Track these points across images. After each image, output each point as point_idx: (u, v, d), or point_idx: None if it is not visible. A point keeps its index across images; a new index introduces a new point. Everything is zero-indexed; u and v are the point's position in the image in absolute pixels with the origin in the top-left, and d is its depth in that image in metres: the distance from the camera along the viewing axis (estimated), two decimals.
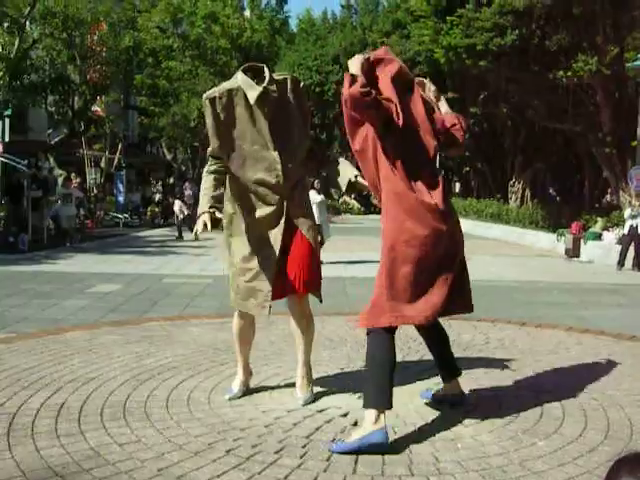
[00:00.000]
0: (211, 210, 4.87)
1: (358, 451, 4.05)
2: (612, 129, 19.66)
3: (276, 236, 4.93)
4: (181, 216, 24.36)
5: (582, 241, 19.59)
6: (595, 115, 20.23)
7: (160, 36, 34.41)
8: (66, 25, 27.17)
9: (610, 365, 6.34)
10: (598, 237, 19.45)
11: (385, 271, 4.41)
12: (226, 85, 4.99)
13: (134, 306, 10.14)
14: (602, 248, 18.83)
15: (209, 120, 4.93)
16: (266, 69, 4.99)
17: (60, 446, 4.08)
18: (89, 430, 4.34)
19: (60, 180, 26.86)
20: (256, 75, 4.95)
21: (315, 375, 5.38)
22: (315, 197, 15.40)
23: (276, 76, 5.03)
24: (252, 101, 4.82)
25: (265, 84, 4.84)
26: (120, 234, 24.96)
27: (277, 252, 4.90)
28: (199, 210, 4.94)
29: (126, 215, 29.82)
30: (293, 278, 4.96)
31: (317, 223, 15.58)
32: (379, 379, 4.29)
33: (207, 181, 5.04)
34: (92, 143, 37.11)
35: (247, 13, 45.76)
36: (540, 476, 3.84)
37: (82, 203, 24.35)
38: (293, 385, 5.30)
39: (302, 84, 5.11)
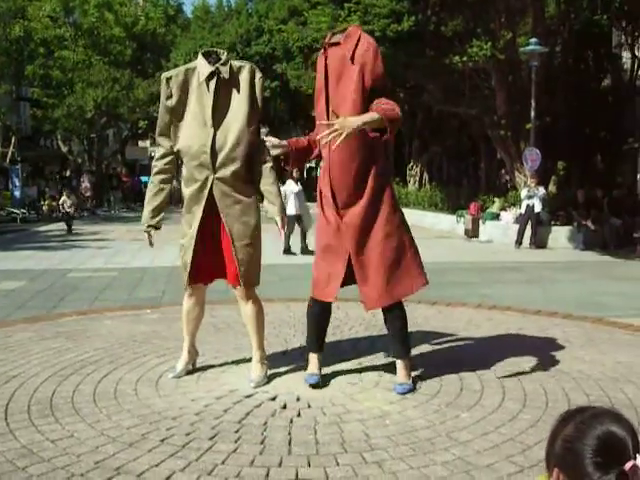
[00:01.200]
0: (149, 230, 5.25)
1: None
2: (506, 112, 20.23)
3: (195, 213, 5.09)
4: (70, 210, 23.87)
5: (481, 221, 20.13)
6: (490, 99, 20.77)
7: (51, 25, 33.48)
8: None
9: (520, 339, 6.63)
10: (496, 217, 20.01)
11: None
12: (186, 65, 5.26)
13: (41, 302, 9.94)
14: (500, 228, 19.40)
15: (162, 98, 5.15)
16: (224, 53, 5.14)
17: None
18: (18, 428, 4.29)
19: None
20: (217, 60, 5.07)
21: (237, 360, 5.48)
22: (292, 187, 15.59)
23: (236, 62, 5.14)
24: (202, 78, 4.99)
25: (218, 65, 4.99)
26: (18, 229, 24.28)
27: (195, 229, 5.07)
28: (142, 221, 5.28)
29: (23, 210, 29.01)
30: (222, 267, 5.09)
31: (297, 213, 15.16)
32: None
33: (150, 188, 5.30)
34: None
35: (140, 1, 44.98)
36: (466, 445, 4.02)
37: None
38: (217, 372, 5.40)
39: (260, 76, 5.15)
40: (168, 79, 5.10)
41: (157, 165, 5.27)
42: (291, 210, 14.92)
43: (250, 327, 5.28)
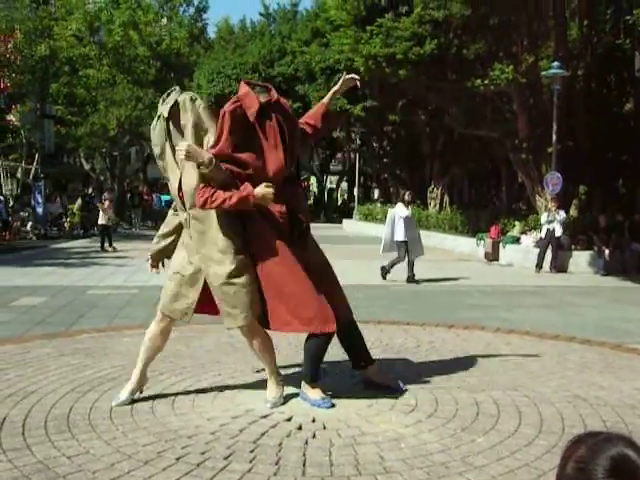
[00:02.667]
0: (150, 262, 5.68)
1: None
2: (528, 135, 20.21)
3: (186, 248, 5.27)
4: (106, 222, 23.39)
5: (501, 245, 20.07)
6: (512, 122, 20.77)
7: (77, 44, 33.89)
8: None
9: (538, 363, 6.60)
10: (516, 241, 19.95)
11: None
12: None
13: (61, 318, 10.00)
14: (520, 251, 19.33)
15: None
16: (174, 90, 5.26)
17: (7, 461, 4.06)
18: (35, 444, 4.32)
19: None
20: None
21: (254, 380, 5.49)
22: (402, 211, 14.29)
23: (182, 96, 5.20)
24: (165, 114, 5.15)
25: (171, 105, 5.13)
26: (40, 246, 24.46)
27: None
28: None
29: (46, 227, 29.22)
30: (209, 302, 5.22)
31: (403, 239, 13.97)
32: None
33: (166, 223, 5.63)
34: (7, 153, 36.29)
35: (164, 21, 45.41)
36: (482, 470, 4.01)
37: (0, 214, 23.79)
38: (233, 392, 5.42)
39: (200, 103, 5.21)
40: (152, 130, 5.28)
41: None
42: (399, 236, 14.07)
43: (257, 357, 5.36)
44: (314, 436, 4.51)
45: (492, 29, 19.61)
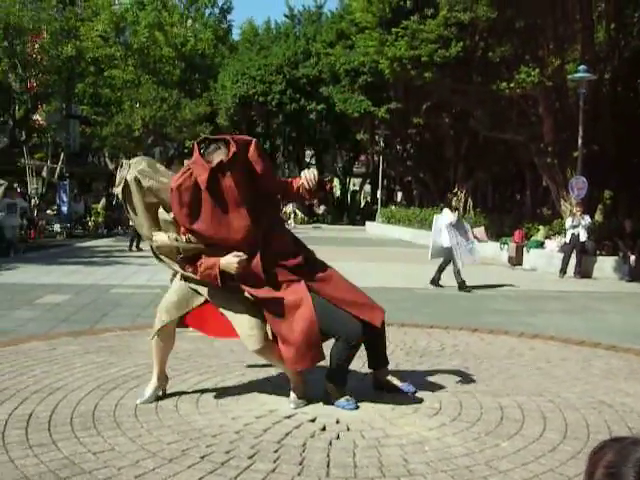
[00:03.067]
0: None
1: None
2: (553, 139, 20.12)
3: None
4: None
5: (525, 249, 19.97)
6: (537, 126, 20.68)
7: (102, 45, 34.08)
8: (7, 33, 26.76)
9: (562, 369, 6.56)
10: (540, 245, 19.84)
11: None
12: None
13: (85, 316, 10.05)
14: (544, 256, 19.22)
15: None
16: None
17: (34, 456, 4.09)
18: (61, 440, 4.36)
19: (1, 190, 26.41)
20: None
21: (278, 381, 5.49)
22: (448, 217, 13.78)
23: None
24: None
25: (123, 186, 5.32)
26: (64, 244, 24.63)
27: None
28: None
29: (69, 225, 29.43)
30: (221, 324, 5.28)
31: (447, 245, 13.62)
32: None
33: None
34: (33, 152, 36.55)
35: (189, 22, 45.62)
36: (506, 475, 3.99)
37: (26, 213, 23.99)
38: (258, 392, 5.42)
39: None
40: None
41: None
42: (445, 242, 13.72)
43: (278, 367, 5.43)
44: (338, 437, 4.52)
45: (518, 32, 19.55)
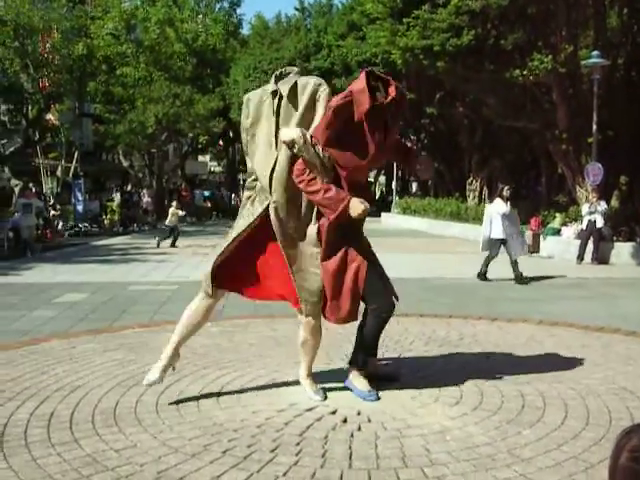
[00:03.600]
0: None
1: None
2: (568, 126, 20.00)
3: (247, 219, 5.17)
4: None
5: (541, 237, 19.89)
6: (551, 112, 20.56)
7: (113, 43, 34.15)
8: (18, 33, 26.85)
9: (583, 356, 6.52)
10: (557, 232, 19.76)
11: None
12: (264, 87, 5.34)
13: (103, 314, 10.09)
14: (561, 243, 19.14)
15: (242, 118, 5.36)
16: (296, 71, 5.21)
17: (56, 454, 4.11)
18: (83, 437, 4.37)
19: (17, 190, 26.58)
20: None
21: (297, 373, 5.51)
22: (500, 207, 13.47)
23: (303, 79, 5.15)
24: (266, 98, 5.16)
25: (279, 83, 5.09)
26: (80, 243, 24.71)
27: (238, 232, 5.13)
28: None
29: (86, 224, 29.55)
30: (282, 289, 5.15)
31: (500, 237, 13.30)
32: None
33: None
34: (47, 152, 36.73)
35: (200, 17, 45.62)
36: (529, 462, 3.98)
37: (42, 212, 24.10)
38: (278, 386, 5.43)
39: (324, 89, 5.09)
40: (247, 100, 5.26)
41: (247, 182, 5.39)
42: (497, 233, 13.37)
43: (300, 350, 5.31)
44: (359, 429, 4.51)
45: (530, 19, 19.42)
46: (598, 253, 17.23)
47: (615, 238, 18.02)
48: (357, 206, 4.86)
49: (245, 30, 50.70)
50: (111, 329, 8.34)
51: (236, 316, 9.04)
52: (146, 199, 36.40)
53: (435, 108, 30.31)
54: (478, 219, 26.40)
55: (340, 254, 5.01)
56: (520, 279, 13.26)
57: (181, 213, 23.72)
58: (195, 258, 17.83)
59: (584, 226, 17.68)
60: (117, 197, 32.98)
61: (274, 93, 5.05)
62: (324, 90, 5.07)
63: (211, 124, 38.01)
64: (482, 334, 7.55)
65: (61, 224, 28.09)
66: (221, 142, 48.95)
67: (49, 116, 33.01)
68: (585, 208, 17.90)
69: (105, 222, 31.66)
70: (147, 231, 31.12)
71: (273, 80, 5.10)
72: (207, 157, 67.99)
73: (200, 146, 49.72)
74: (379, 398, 5.09)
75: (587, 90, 19.70)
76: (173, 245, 21.90)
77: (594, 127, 18.40)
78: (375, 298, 5.07)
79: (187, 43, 38.58)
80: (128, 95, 35.61)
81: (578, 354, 6.60)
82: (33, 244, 20.53)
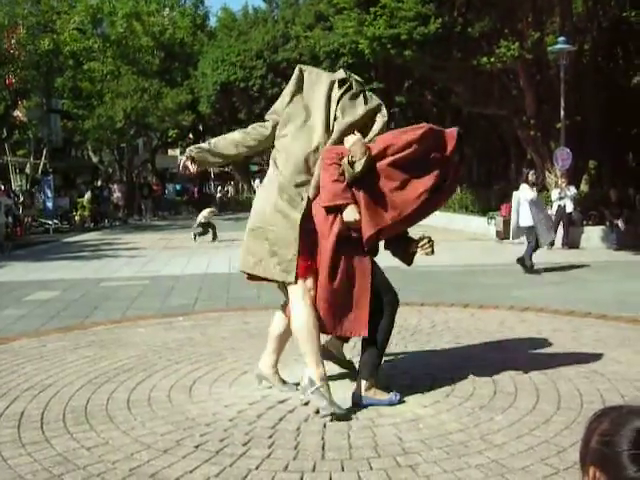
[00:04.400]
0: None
1: None
2: (536, 112, 20.10)
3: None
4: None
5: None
6: (519, 99, 20.66)
7: (80, 38, 33.82)
8: None
9: (554, 340, 6.57)
10: None
11: None
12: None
13: (75, 311, 10.02)
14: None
15: (292, 84, 5.17)
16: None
17: (27, 454, 4.07)
18: (54, 437, 4.34)
19: None
20: None
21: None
22: (527, 193, 12.99)
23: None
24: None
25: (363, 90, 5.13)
26: (51, 240, 24.51)
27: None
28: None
29: (56, 221, 29.28)
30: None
31: (529, 224, 12.86)
32: None
33: (229, 135, 5.31)
34: (15, 149, 36.32)
35: (167, 10, 45.27)
36: (501, 448, 4.00)
37: (11, 210, 23.85)
38: (250, 378, 5.41)
39: (383, 116, 5.03)
40: (304, 71, 5.16)
41: (250, 126, 5.19)
42: (525, 221, 12.96)
43: (273, 341, 5.25)
44: (332, 420, 4.51)
45: (496, 6, 19.45)
46: (568, 238, 17.36)
47: (585, 222, 18.18)
48: (353, 213, 4.73)
49: (212, 23, 50.36)
50: (82, 326, 8.28)
51: (209, 309, 9.01)
52: (117, 194, 36.11)
53: (404, 97, 30.33)
54: (449, 206, 26.51)
55: (341, 268, 4.86)
56: (530, 269, 12.94)
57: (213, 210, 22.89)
58: (166, 253, 17.77)
59: (554, 211, 17.79)
60: (87, 195, 32.63)
61: (343, 81, 4.97)
62: (384, 114, 5.01)
63: (180, 117, 37.73)
64: (454, 321, 7.58)
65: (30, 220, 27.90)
66: (191, 135, 48.62)
67: (17, 113, 32.64)
68: (555, 193, 18.00)
69: (76, 218, 31.37)
70: (118, 226, 30.94)
71: (337, 84, 4.97)
72: (177, 151, 67.66)
73: (170, 140, 49.32)
74: (404, 401, 4.86)
75: (554, 76, 19.80)
76: (214, 239, 21.26)
77: (562, 112, 18.50)
78: (387, 290, 5.16)
79: (154, 37, 38.24)
80: (96, 90, 35.29)
81: (549, 338, 6.65)
82: (3, 243, 20.31)
